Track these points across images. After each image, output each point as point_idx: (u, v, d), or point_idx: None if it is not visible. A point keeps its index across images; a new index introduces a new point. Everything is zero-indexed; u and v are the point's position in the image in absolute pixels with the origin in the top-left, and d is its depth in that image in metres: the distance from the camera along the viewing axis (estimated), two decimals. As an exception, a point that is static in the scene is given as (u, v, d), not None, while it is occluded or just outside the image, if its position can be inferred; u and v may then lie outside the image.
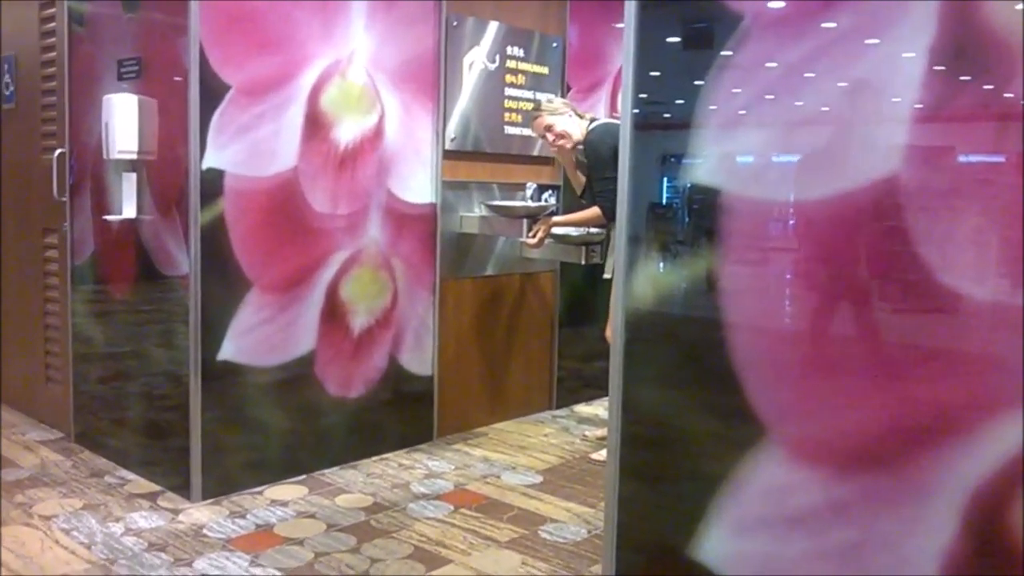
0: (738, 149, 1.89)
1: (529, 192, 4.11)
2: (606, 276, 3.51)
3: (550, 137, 3.66)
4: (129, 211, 3.29)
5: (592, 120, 3.67)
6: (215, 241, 3.06)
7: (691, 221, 1.99)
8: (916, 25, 1.60)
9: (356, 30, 3.40)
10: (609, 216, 3.47)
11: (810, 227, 1.78)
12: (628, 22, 2.00)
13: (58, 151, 3.67)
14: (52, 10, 3.74)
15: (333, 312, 3.45)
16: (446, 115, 3.80)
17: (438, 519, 3.03)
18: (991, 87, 1.56)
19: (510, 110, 4.10)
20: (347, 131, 3.41)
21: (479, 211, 3.95)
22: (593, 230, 3.74)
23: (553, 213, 3.99)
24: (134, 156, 3.24)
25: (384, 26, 3.50)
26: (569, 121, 3.63)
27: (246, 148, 3.10)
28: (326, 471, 3.45)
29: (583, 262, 3.87)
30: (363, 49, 3.42)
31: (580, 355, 4.55)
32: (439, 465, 3.59)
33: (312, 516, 3.02)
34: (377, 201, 3.55)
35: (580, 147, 3.66)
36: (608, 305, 3.51)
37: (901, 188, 1.63)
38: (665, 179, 2.04)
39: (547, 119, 3.63)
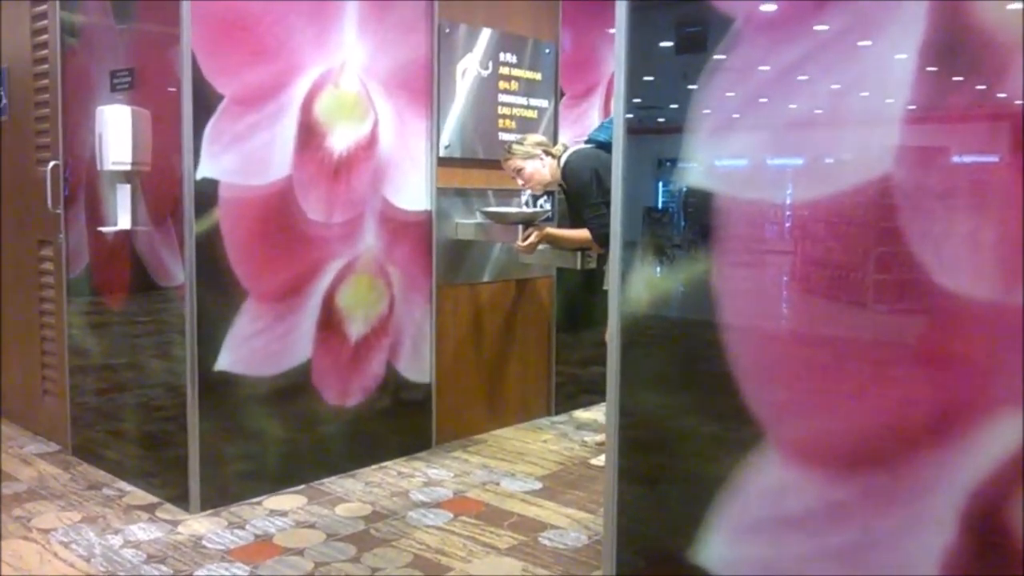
0: (732, 152, 1.89)
1: (524, 198, 4.11)
2: (606, 288, 3.50)
3: (519, 181, 3.73)
4: (124, 222, 3.29)
5: (565, 148, 3.71)
6: (210, 251, 3.06)
7: (686, 224, 1.99)
8: (907, 26, 1.60)
9: (349, 38, 3.40)
10: (600, 242, 3.47)
11: (805, 229, 1.78)
12: (619, 26, 2.00)
13: (52, 163, 3.66)
14: (44, 22, 3.73)
15: (330, 320, 3.44)
16: (440, 122, 3.81)
17: (438, 527, 3.02)
18: (983, 87, 1.56)
19: (504, 116, 4.10)
20: (341, 139, 3.41)
21: (474, 217, 3.96)
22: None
23: (548, 219, 4.00)
24: (128, 167, 3.23)
25: (377, 34, 3.50)
26: (539, 165, 3.67)
27: (240, 157, 3.10)
28: (325, 480, 3.44)
29: (579, 267, 3.87)
30: (356, 57, 3.43)
31: (578, 360, 4.54)
32: (438, 473, 3.58)
33: (311, 526, 3.01)
34: (372, 209, 3.54)
35: (560, 183, 3.70)
36: (607, 309, 3.50)
37: (895, 189, 1.63)
38: (659, 183, 2.04)
39: (517, 162, 3.69)
